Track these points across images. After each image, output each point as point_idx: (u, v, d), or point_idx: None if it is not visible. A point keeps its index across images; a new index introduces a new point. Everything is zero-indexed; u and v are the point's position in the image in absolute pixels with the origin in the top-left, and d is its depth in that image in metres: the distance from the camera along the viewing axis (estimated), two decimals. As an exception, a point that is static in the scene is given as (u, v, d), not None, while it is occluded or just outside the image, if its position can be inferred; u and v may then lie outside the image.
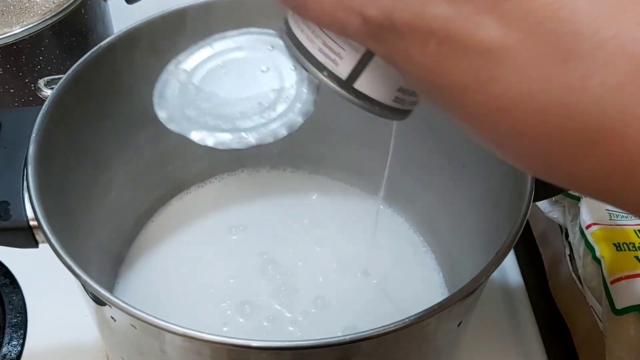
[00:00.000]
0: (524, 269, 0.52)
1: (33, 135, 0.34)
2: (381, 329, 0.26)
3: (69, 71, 0.37)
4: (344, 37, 0.24)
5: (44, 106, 0.35)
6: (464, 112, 0.21)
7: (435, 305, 0.27)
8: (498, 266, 0.29)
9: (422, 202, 0.49)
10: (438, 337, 0.31)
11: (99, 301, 0.30)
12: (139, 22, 0.40)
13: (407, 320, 0.26)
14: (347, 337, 0.26)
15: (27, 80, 0.53)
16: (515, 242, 0.31)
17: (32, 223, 0.32)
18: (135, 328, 0.29)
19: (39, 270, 0.50)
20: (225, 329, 0.44)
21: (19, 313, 0.48)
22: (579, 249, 0.43)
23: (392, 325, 0.26)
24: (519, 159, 0.21)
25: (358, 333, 0.26)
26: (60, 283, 0.48)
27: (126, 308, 0.26)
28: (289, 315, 0.45)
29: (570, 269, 0.45)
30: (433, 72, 0.20)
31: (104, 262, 0.45)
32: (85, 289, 0.31)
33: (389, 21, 0.20)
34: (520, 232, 0.31)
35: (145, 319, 0.26)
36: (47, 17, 0.52)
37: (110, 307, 0.28)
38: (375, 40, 0.22)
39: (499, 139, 0.20)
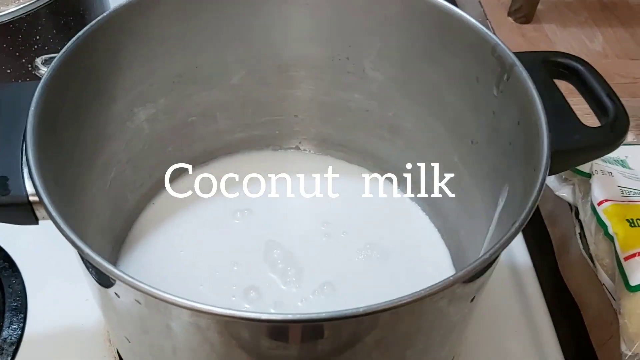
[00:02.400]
0: (531, 249, 0.51)
1: (32, 108, 0.33)
2: (397, 300, 0.25)
3: (68, 44, 0.36)
4: None
5: (43, 79, 0.34)
6: None
7: (450, 277, 0.26)
8: (514, 237, 0.28)
9: (429, 180, 0.48)
10: (452, 312, 0.30)
11: (102, 276, 0.29)
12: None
13: (422, 291, 0.25)
14: (361, 309, 0.25)
15: (24, 60, 0.52)
16: (531, 214, 0.30)
17: (32, 198, 0.31)
18: (140, 303, 0.28)
19: (39, 254, 0.50)
20: (230, 312, 0.43)
21: (18, 297, 0.47)
22: (591, 227, 0.42)
23: (407, 297, 0.25)
24: None
25: (374, 305, 0.25)
26: (59, 266, 0.48)
27: (130, 281, 0.25)
28: (296, 300, 0.44)
29: (581, 247, 0.44)
30: None
31: (103, 245, 0.44)
32: (87, 265, 0.30)
33: None
34: (537, 203, 0.30)
35: (151, 292, 0.25)
36: (44, -4, 0.51)
37: (114, 281, 0.27)
38: None
39: None
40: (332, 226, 0.49)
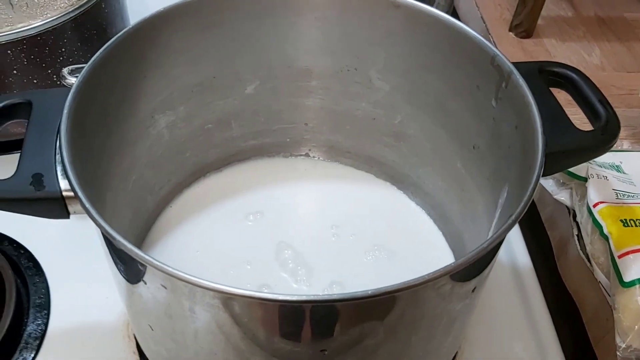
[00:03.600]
0: (532, 252, 0.53)
1: (65, 111, 0.35)
2: (401, 284, 0.27)
3: (97, 54, 0.39)
4: None
5: (74, 85, 0.37)
6: None
7: (452, 263, 0.28)
8: (511, 229, 0.30)
9: (433, 186, 0.50)
10: (454, 299, 0.33)
11: (130, 264, 0.31)
12: (164, 7, 0.42)
13: (426, 276, 0.28)
14: (369, 291, 0.27)
15: (49, 71, 0.55)
16: (527, 207, 0.32)
17: (65, 194, 0.34)
18: (166, 288, 0.30)
19: (61, 255, 0.52)
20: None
21: (42, 295, 0.49)
22: (587, 228, 0.44)
23: (412, 281, 0.27)
24: None
25: (381, 287, 0.27)
26: (81, 266, 0.51)
27: (159, 265, 0.28)
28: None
29: (579, 247, 0.46)
30: None
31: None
32: (115, 254, 0.33)
33: None
34: (532, 198, 0.32)
35: (178, 275, 0.27)
36: (69, 10, 0.54)
37: (143, 267, 0.30)
38: None
39: None
40: (341, 229, 0.51)
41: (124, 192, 0.45)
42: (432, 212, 0.52)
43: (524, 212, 0.32)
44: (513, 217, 0.31)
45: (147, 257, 0.28)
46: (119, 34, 0.40)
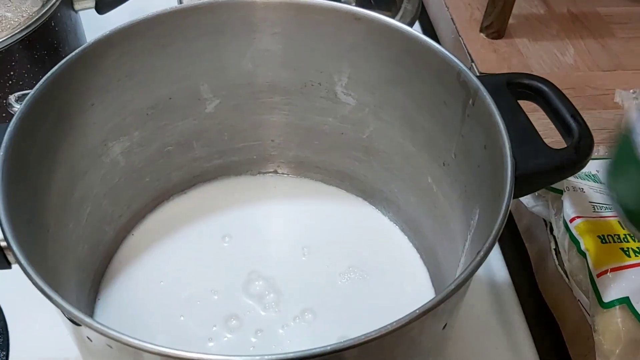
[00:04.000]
0: (510, 264, 0.51)
1: (1, 153, 0.33)
2: (363, 337, 0.26)
3: (38, 85, 0.36)
4: None
5: (11, 122, 0.34)
6: None
7: (417, 309, 0.27)
8: (480, 266, 0.29)
9: (405, 201, 0.49)
10: (423, 340, 0.31)
11: (74, 322, 0.29)
12: (109, 31, 0.40)
13: (389, 326, 0.26)
14: (329, 347, 0.25)
15: (-2, 96, 0.52)
16: (496, 241, 0.30)
17: (2, 244, 0.31)
18: (112, 348, 0.28)
19: (20, 290, 0.49)
20: (210, 344, 0.43)
21: (0, 334, 0.47)
22: (564, 243, 0.43)
23: (374, 333, 0.26)
24: None
25: (340, 342, 0.25)
26: (41, 302, 0.48)
27: (100, 328, 0.26)
28: (277, 327, 0.44)
29: (557, 263, 0.44)
30: None
31: (83, 279, 0.44)
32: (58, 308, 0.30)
33: None
34: (501, 231, 0.30)
35: (120, 338, 0.25)
36: (17, 31, 0.51)
37: (85, 327, 0.27)
38: None
39: None
40: (313, 249, 0.49)
41: (78, 226, 0.43)
42: (405, 227, 0.50)
43: (494, 244, 0.30)
44: (482, 253, 0.29)
45: (86, 319, 0.26)
46: (60, 63, 0.38)
